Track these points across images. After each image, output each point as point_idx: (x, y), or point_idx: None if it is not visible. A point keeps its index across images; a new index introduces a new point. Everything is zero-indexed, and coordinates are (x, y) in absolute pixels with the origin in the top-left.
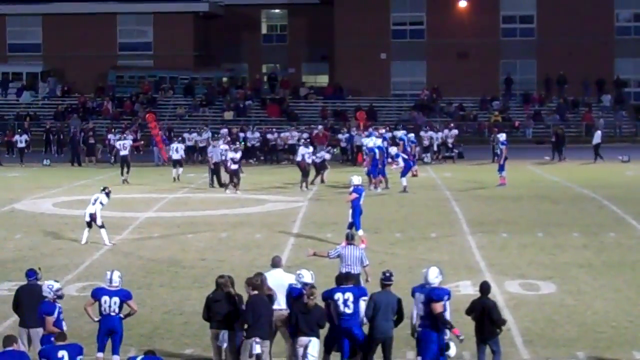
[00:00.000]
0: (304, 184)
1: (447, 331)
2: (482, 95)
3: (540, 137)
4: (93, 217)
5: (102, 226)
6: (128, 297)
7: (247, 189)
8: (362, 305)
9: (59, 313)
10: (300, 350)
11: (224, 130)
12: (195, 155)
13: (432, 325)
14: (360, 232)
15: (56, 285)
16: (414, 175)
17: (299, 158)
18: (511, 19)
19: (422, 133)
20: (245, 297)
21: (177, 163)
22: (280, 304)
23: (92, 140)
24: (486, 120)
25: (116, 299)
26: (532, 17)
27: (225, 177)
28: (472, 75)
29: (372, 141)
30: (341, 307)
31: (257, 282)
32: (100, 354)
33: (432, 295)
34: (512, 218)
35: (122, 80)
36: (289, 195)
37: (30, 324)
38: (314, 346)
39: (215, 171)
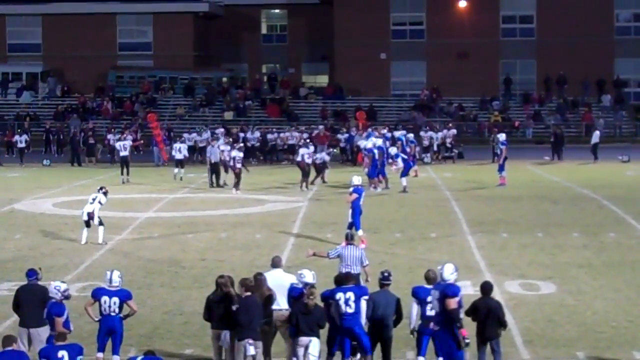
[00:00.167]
0: (303, 184)
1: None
2: (482, 95)
3: (540, 137)
4: (91, 216)
5: (100, 223)
6: (128, 297)
7: (247, 189)
8: (364, 304)
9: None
10: (301, 351)
11: (220, 130)
12: (195, 155)
13: (447, 322)
14: (360, 232)
15: (63, 286)
16: (414, 176)
17: (299, 158)
18: (511, 19)
19: (421, 133)
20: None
21: (179, 163)
22: (280, 304)
23: (92, 141)
24: (486, 120)
25: (116, 299)
26: (531, 17)
27: (224, 177)
28: (472, 75)
29: (370, 142)
30: (343, 307)
31: (250, 283)
32: (100, 354)
33: (446, 291)
34: (512, 218)
35: (122, 80)
36: (289, 195)
37: (31, 324)
38: (314, 346)
39: (214, 171)
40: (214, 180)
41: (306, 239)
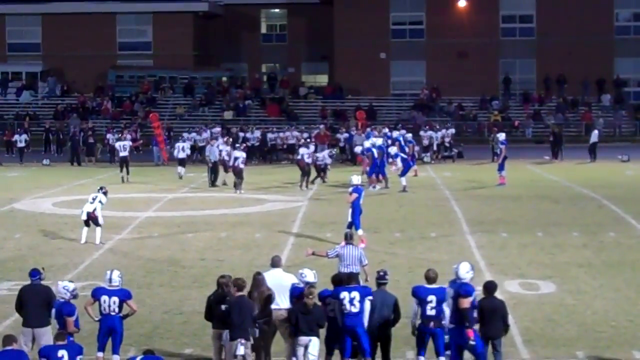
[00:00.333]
0: (303, 184)
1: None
2: (482, 95)
3: (540, 137)
4: (90, 215)
5: (98, 224)
6: (128, 296)
7: (247, 188)
8: (367, 305)
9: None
10: (301, 350)
11: (217, 129)
12: (195, 154)
13: (461, 320)
14: (360, 232)
15: (72, 286)
16: (414, 175)
17: (298, 157)
18: (511, 19)
19: (421, 133)
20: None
21: (182, 162)
22: (279, 304)
23: (91, 140)
24: (486, 119)
25: (116, 299)
26: (531, 16)
27: (223, 176)
28: (471, 75)
29: (369, 142)
30: (347, 306)
31: (242, 283)
32: (100, 354)
33: (460, 290)
34: (511, 218)
35: (121, 80)
36: (289, 195)
37: (35, 324)
38: (314, 346)
39: (213, 170)
40: (212, 179)
41: (306, 239)
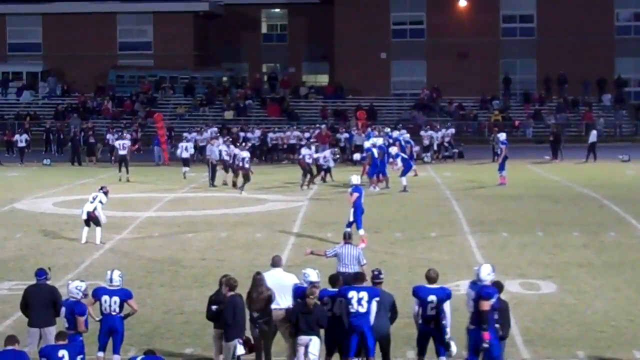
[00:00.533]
0: (305, 184)
1: (448, 330)
2: (482, 95)
3: (540, 137)
4: (90, 215)
5: (99, 224)
6: (128, 296)
7: (247, 188)
8: (374, 305)
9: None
10: (301, 350)
11: (213, 129)
12: (195, 154)
13: (480, 323)
14: (362, 232)
15: (83, 286)
16: (414, 175)
17: (300, 157)
18: (511, 19)
19: (422, 132)
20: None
21: (186, 161)
22: (280, 304)
23: (92, 140)
24: (486, 119)
25: (116, 299)
26: (532, 16)
27: (223, 176)
28: (472, 75)
29: (369, 142)
30: (355, 305)
31: (234, 283)
32: (100, 354)
33: (481, 292)
34: (512, 217)
35: (122, 80)
36: (289, 194)
37: (42, 324)
38: (314, 345)
39: (214, 170)
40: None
41: (306, 239)
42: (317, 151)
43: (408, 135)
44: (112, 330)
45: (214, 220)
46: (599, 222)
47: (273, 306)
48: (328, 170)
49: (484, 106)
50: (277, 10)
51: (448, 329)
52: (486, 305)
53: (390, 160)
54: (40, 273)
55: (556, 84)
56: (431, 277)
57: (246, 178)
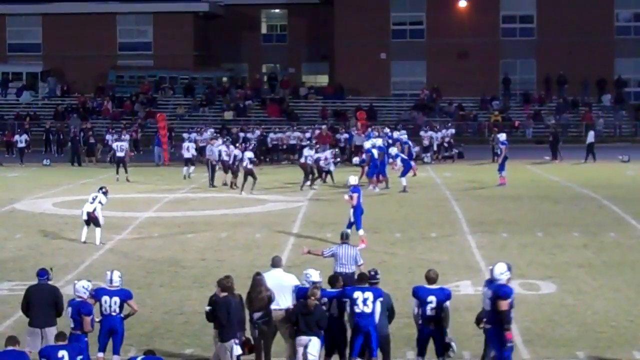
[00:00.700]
0: (305, 185)
1: (447, 331)
2: (482, 95)
3: (540, 137)
4: (90, 215)
5: (98, 225)
6: (128, 296)
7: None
8: (379, 306)
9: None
10: (301, 350)
11: (210, 130)
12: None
13: (498, 322)
14: (361, 232)
15: (90, 285)
16: (413, 175)
17: (302, 159)
18: (511, 19)
19: (421, 133)
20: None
21: (188, 162)
22: (280, 304)
23: (92, 140)
24: (486, 120)
25: (116, 299)
26: (532, 16)
27: (223, 176)
28: (472, 75)
29: (369, 142)
30: (360, 306)
31: (227, 283)
32: (100, 354)
33: (499, 292)
34: (512, 218)
35: (122, 80)
36: (289, 195)
37: (43, 324)
38: (314, 345)
39: (214, 170)
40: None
41: (306, 239)
42: (316, 152)
43: (406, 135)
44: (112, 331)
45: (214, 220)
46: (599, 223)
47: (273, 306)
48: (328, 172)
49: (483, 106)
50: (277, 10)
51: (448, 330)
52: (505, 304)
53: (390, 160)
54: (42, 273)
55: (556, 84)
56: (431, 278)
57: (253, 177)
